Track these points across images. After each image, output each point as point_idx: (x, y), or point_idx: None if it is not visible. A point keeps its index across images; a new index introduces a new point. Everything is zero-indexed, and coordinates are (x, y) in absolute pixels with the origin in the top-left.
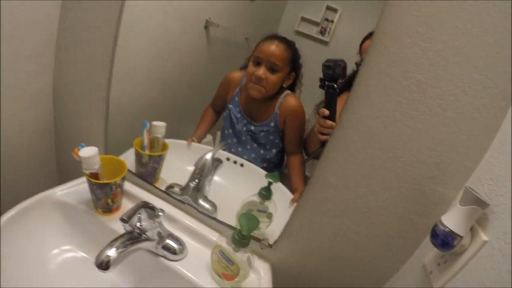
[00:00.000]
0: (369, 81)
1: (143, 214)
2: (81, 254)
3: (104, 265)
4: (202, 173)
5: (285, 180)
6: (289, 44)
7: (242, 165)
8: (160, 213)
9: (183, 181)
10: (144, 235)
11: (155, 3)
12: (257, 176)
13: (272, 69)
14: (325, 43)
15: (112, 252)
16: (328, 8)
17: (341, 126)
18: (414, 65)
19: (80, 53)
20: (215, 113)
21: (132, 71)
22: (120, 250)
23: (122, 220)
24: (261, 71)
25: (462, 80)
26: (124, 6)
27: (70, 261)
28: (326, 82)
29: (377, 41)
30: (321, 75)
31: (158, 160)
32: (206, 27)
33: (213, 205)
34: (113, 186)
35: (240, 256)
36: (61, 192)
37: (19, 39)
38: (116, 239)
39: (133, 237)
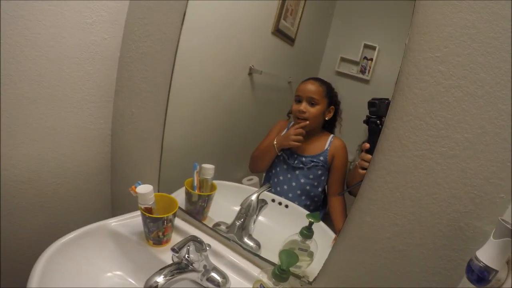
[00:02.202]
0: (396, 123)
1: (191, 247)
2: (129, 280)
3: None
4: (247, 212)
5: (328, 220)
6: (322, 81)
7: (286, 206)
8: (207, 247)
9: (229, 220)
10: (191, 266)
11: (203, 55)
12: (301, 217)
13: (311, 103)
14: (366, 81)
15: (160, 279)
16: (366, 46)
17: (373, 168)
18: (439, 103)
19: (136, 100)
20: None
21: (182, 116)
22: (168, 277)
23: (173, 250)
24: (302, 106)
25: (487, 112)
26: (176, 59)
27: (120, 285)
28: (371, 119)
29: (401, 84)
30: (363, 115)
31: (206, 200)
32: (250, 74)
33: (257, 243)
34: (165, 221)
35: None
36: (115, 223)
37: (85, 86)
38: (165, 268)
39: (181, 267)
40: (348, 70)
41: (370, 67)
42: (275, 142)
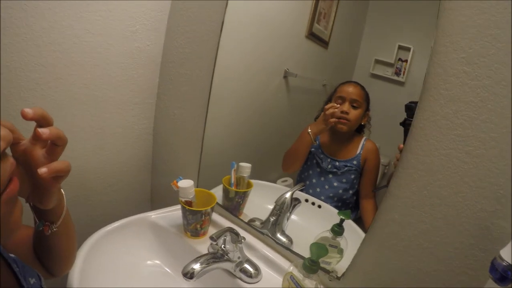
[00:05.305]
0: (424, 123)
1: (228, 237)
2: (166, 269)
3: (189, 275)
4: (281, 209)
5: (361, 224)
6: (363, 86)
7: (319, 206)
8: (242, 240)
9: (263, 217)
10: (226, 256)
11: (240, 61)
12: (334, 218)
13: (353, 105)
14: (401, 83)
15: (197, 266)
16: (401, 47)
17: (402, 166)
18: (464, 103)
19: (177, 101)
20: None
21: (221, 118)
22: (203, 265)
23: (211, 238)
24: (346, 107)
25: None
26: (216, 63)
27: (156, 273)
28: (407, 121)
29: (428, 85)
30: (398, 117)
31: (242, 196)
32: (285, 77)
33: (290, 239)
34: (204, 214)
35: (309, 283)
36: (155, 215)
37: (129, 89)
38: (201, 256)
39: (216, 257)
40: (383, 72)
41: (405, 69)
42: (309, 130)
